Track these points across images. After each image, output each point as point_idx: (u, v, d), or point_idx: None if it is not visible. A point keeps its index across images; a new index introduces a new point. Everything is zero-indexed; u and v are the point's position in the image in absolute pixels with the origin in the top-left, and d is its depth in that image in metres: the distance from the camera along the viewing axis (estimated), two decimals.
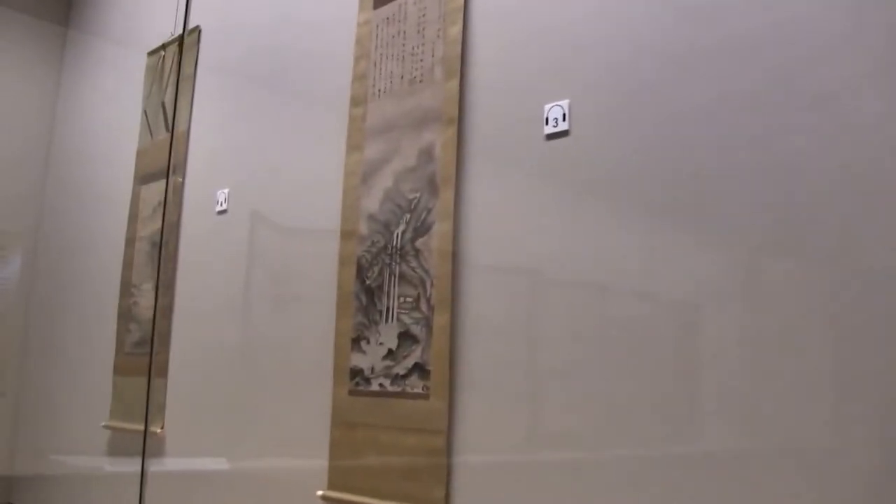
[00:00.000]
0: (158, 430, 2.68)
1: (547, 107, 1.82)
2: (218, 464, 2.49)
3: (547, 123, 1.82)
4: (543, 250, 1.78)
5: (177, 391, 2.70)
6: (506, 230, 1.86)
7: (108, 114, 3.48)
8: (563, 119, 1.80)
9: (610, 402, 1.60)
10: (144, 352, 2.84)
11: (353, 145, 2.23)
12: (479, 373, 1.85)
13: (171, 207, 2.84)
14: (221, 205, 2.64)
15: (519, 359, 1.79)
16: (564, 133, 1.80)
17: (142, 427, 2.75)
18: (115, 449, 2.95)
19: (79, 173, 3.59)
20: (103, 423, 2.96)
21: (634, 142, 1.67)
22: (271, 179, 2.51)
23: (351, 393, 2.09)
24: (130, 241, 3.04)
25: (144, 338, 2.86)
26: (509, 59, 1.93)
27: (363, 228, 2.14)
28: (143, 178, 3.06)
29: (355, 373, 2.09)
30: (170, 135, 2.94)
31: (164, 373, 2.73)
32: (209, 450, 2.55)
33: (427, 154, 2.02)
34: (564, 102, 1.79)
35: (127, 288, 3.00)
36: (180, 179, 2.83)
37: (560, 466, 1.66)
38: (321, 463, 2.11)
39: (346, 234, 2.18)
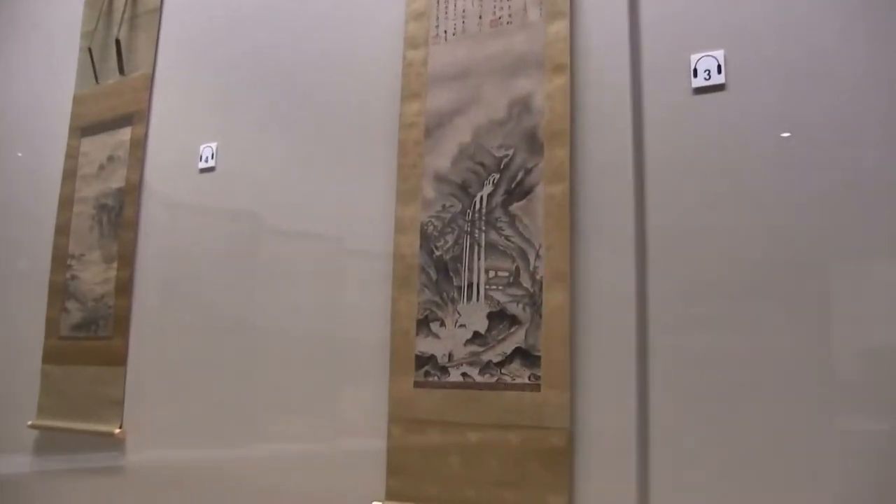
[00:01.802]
0: (116, 431, 2.19)
1: (694, 57, 1.54)
2: (206, 475, 2.05)
3: (696, 76, 1.54)
4: (685, 220, 1.54)
5: (140, 383, 2.23)
6: (633, 193, 1.60)
7: (32, 51, 2.88)
8: (719, 71, 1.53)
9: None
10: (90, 336, 2.33)
11: (412, 93, 1.89)
12: (605, 359, 1.56)
13: (130, 163, 2.34)
14: (207, 161, 2.20)
15: (661, 343, 1.54)
16: (719, 87, 1.52)
17: (89, 426, 2.25)
18: (47, 453, 2.42)
19: None
20: (30, 423, 2.41)
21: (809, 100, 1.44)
22: (285, 131, 2.10)
23: (419, 385, 1.75)
24: (66, 203, 2.51)
25: (89, 319, 2.35)
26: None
27: (429, 190, 1.81)
28: (84, 130, 2.54)
29: (424, 360, 1.75)
30: (125, 78, 2.45)
31: (120, 361, 2.25)
32: (191, 458, 2.11)
33: (523, 105, 1.73)
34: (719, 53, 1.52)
35: (62, 260, 2.48)
36: (143, 131, 2.34)
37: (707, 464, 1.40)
38: (373, 471, 1.76)
39: (406, 196, 1.84)
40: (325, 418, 1.92)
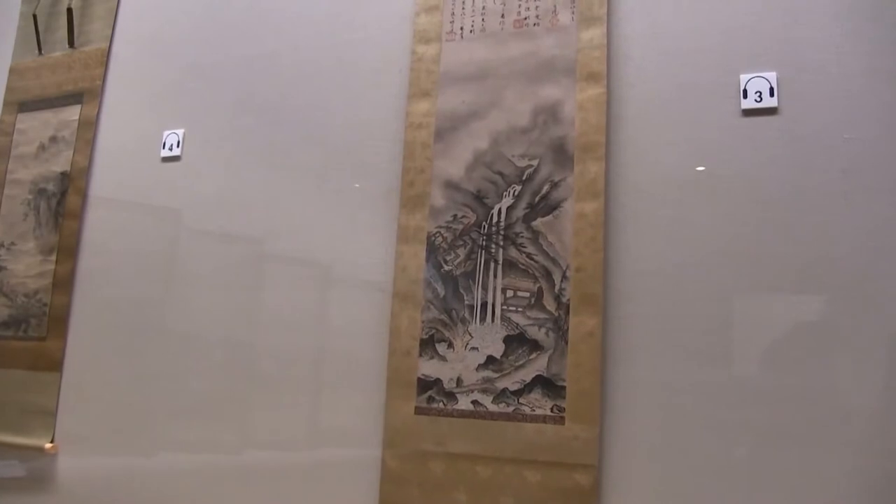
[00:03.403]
0: (47, 446, 1.93)
1: (744, 77, 1.45)
2: (149, 496, 1.83)
3: (745, 97, 1.44)
4: (733, 247, 1.43)
5: (76, 392, 1.98)
6: (674, 215, 1.48)
7: None
8: (771, 94, 1.44)
9: None
10: (18, 336, 2.06)
11: (421, 91, 1.74)
12: (638, 392, 1.44)
13: (77, 146, 2.09)
14: (171, 149, 1.98)
15: (701, 378, 1.40)
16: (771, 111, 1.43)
17: (14, 439, 1.99)
18: None
19: None
20: None
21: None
22: (265, 120, 1.90)
23: (421, 411, 1.59)
24: None
25: (18, 317, 2.09)
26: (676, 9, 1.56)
27: (438, 198, 1.65)
28: (22, 105, 2.26)
29: (427, 384, 1.60)
30: (75, 52, 2.20)
31: (54, 366, 2.00)
32: (132, 476, 1.88)
33: (550, 113, 1.60)
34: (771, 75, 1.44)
35: None
36: (95, 111, 2.09)
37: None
38: None
39: (411, 202, 1.69)
40: (302, 444, 1.72)
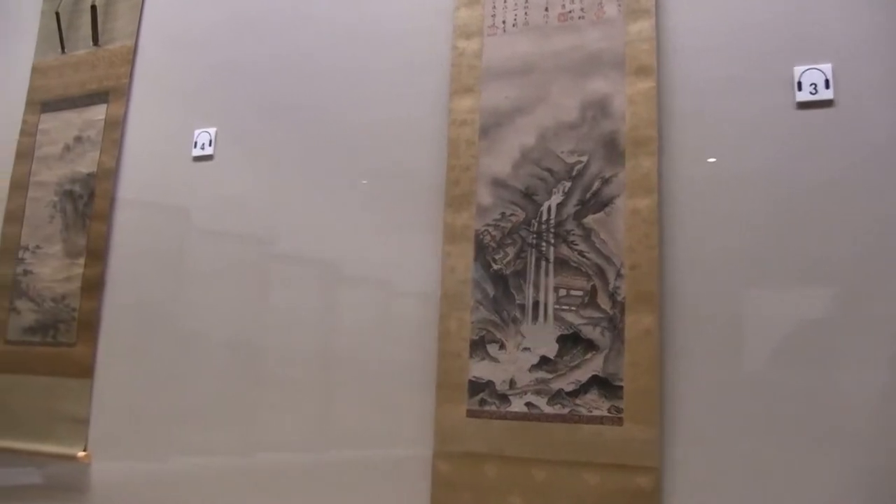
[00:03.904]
0: (80, 454, 1.89)
1: (798, 69, 1.41)
2: None
3: (800, 89, 1.41)
4: (791, 241, 1.41)
5: (108, 400, 1.94)
6: (729, 210, 1.45)
7: None
8: (826, 86, 1.41)
9: None
10: (46, 341, 2.02)
11: (464, 87, 1.71)
12: (698, 391, 1.41)
13: (104, 146, 2.04)
14: (203, 148, 1.94)
15: (762, 376, 1.39)
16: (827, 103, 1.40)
17: (44, 447, 1.94)
18: None
19: None
20: None
21: None
22: (302, 118, 1.86)
23: (472, 414, 1.56)
24: (19, 187, 2.19)
25: (46, 322, 2.04)
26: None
27: (485, 196, 1.62)
28: (45, 105, 2.21)
29: (479, 387, 1.56)
30: (99, 50, 2.15)
31: (85, 372, 1.95)
32: (169, 487, 1.84)
33: (598, 108, 1.57)
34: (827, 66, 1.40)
35: (12, 251, 2.15)
36: (122, 110, 2.05)
37: None
38: None
39: (457, 201, 1.65)
40: (348, 448, 1.69)
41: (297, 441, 1.75)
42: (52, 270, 2.08)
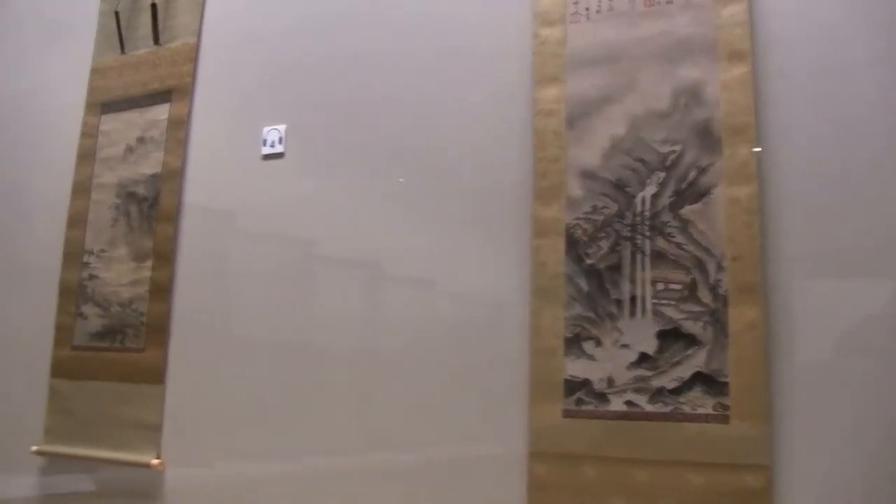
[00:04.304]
0: (153, 462, 1.85)
1: None
2: None
3: None
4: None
5: (181, 405, 1.90)
6: (832, 198, 1.40)
7: (39, 11, 2.48)
8: None
9: None
10: (114, 347, 1.98)
11: (548, 76, 1.65)
12: (809, 385, 1.36)
13: (168, 146, 2.00)
14: (272, 146, 1.89)
15: (872, 369, 1.34)
16: None
17: (116, 454, 1.90)
18: (57, 489, 2.03)
19: None
20: (35, 448, 2.03)
21: None
22: (378, 111, 1.80)
23: (569, 414, 1.51)
24: (82, 190, 2.15)
25: (113, 327, 2.00)
26: None
27: (575, 188, 1.56)
28: (105, 106, 2.17)
29: (575, 385, 1.51)
30: (161, 49, 2.11)
31: (156, 378, 1.91)
32: (250, 492, 1.79)
33: (691, 95, 1.51)
34: None
35: (76, 256, 2.11)
36: (185, 109, 2.01)
37: None
38: None
39: (546, 194, 1.60)
40: (438, 448, 1.64)
41: (382, 443, 1.69)
42: (118, 274, 2.04)
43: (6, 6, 2.54)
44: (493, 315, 1.63)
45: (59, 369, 2.08)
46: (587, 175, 1.57)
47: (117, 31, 2.18)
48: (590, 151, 1.58)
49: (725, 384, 1.39)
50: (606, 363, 1.49)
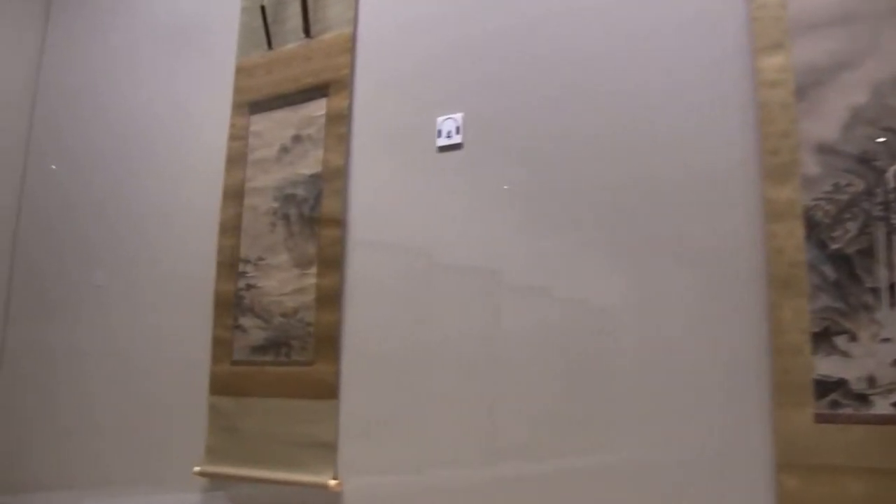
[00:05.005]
0: (331, 483, 1.70)
1: None
2: None
3: None
4: None
5: (357, 421, 1.75)
6: None
7: (172, 10, 2.38)
8: None
9: None
10: (280, 360, 1.84)
11: (771, 43, 1.47)
12: None
13: (328, 143, 1.86)
14: (449, 136, 1.73)
15: None
16: None
17: (287, 475, 1.76)
18: None
19: (116, 102, 2.44)
20: (197, 469, 1.90)
21: None
22: (564, 95, 1.63)
23: (823, 419, 1.31)
24: (233, 196, 2.03)
25: (277, 339, 1.86)
26: None
27: (811, 165, 1.37)
28: (253, 106, 2.04)
29: (828, 386, 1.31)
30: (313, 41, 1.98)
31: (329, 393, 1.76)
32: None
33: None
34: None
35: (231, 265, 1.98)
36: (345, 103, 1.86)
37: None
38: None
39: (777, 173, 1.43)
40: (669, 459, 1.46)
41: (597, 448, 1.52)
42: (279, 283, 1.91)
43: (137, 13, 2.43)
44: (725, 310, 1.44)
45: (219, 386, 1.96)
46: (824, 150, 1.39)
47: (263, 26, 2.06)
48: (826, 124, 1.40)
49: None
50: (865, 360, 1.31)
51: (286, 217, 1.93)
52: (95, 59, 2.54)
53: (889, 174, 1.34)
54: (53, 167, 2.54)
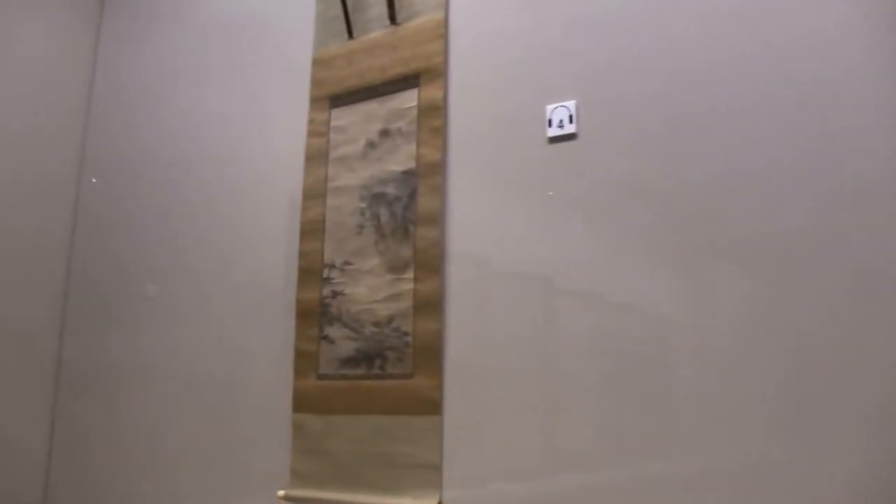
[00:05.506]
0: None
1: None
2: None
3: None
4: None
5: (463, 440, 1.59)
6: None
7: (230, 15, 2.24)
8: None
9: None
10: (374, 374, 1.67)
11: None
12: None
13: (421, 137, 1.71)
14: (560, 126, 1.57)
15: None
16: None
17: (386, 499, 1.62)
18: None
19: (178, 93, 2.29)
20: (281, 493, 1.74)
21: None
22: (687, 78, 1.49)
23: None
24: (315, 196, 1.88)
25: (371, 351, 1.70)
26: None
27: None
28: (334, 99, 1.89)
29: None
30: (399, 28, 1.84)
31: (432, 408, 1.60)
32: None
33: None
34: None
35: (314, 271, 1.82)
36: (440, 93, 1.71)
37: None
38: None
39: None
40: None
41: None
42: (370, 290, 1.74)
43: (198, 10, 2.28)
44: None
45: (304, 403, 1.79)
46: None
47: (343, 14, 1.91)
48: None
49: None
50: None
51: (376, 217, 1.77)
52: (149, 63, 2.40)
53: None
54: (94, 180, 2.38)
